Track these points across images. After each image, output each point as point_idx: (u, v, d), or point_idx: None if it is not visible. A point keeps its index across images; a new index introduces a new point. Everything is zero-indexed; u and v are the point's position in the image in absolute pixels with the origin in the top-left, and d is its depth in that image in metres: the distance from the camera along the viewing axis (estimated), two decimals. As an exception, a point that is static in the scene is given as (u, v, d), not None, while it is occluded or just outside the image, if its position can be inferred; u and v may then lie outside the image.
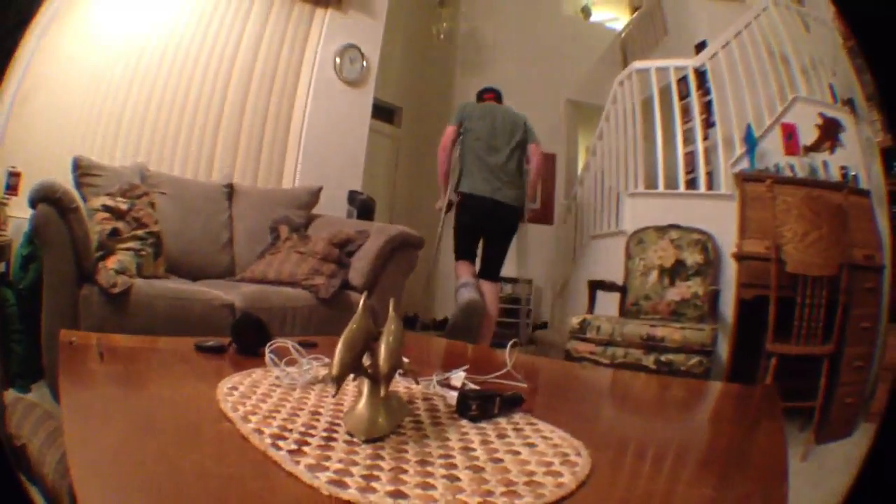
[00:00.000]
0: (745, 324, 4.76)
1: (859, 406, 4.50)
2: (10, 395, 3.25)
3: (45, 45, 4.73)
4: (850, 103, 5.37)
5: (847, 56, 5.23)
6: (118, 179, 4.34)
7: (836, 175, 5.24)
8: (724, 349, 4.87)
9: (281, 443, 1.35)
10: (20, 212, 4.19)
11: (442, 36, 8.29)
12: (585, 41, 9.26)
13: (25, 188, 4.12)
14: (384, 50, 6.50)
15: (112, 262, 3.66)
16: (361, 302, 1.60)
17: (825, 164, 5.29)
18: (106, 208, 3.99)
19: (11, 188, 4.54)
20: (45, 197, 3.42)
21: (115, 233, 3.87)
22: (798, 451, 4.13)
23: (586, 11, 9.42)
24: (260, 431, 1.41)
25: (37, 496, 1.71)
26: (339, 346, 1.45)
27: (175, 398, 1.81)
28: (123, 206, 4.05)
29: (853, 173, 5.17)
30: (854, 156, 5.24)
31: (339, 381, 1.44)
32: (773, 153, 5.43)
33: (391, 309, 1.63)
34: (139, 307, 3.59)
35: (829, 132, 5.31)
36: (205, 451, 1.36)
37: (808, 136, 5.39)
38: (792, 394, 4.23)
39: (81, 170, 4.30)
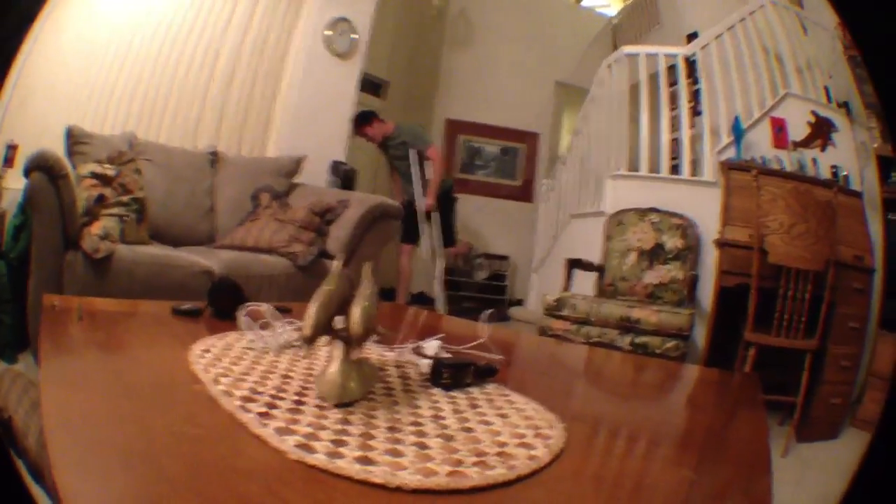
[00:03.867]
0: (724, 311, 4.77)
1: (846, 408, 4.53)
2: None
3: (47, 24, 4.75)
4: (845, 106, 5.45)
5: (848, 65, 5.30)
6: (107, 147, 4.35)
7: (825, 173, 5.29)
8: (701, 335, 4.89)
9: (250, 405, 1.34)
10: (15, 183, 4.18)
11: (434, 12, 8.28)
12: (576, 25, 9.34)
13: (21, 160, 4.09)
14: (376, 24, 6.53)
15: (96, 228, 3.68)
16: (335, 263, 1.60)
17: (815, 160, 5.33)
18: (94, 175, 4.01)
19: (8, 161, 4.54)
20: (38, 165, 3.46)
21: (101, 199, 3.89)
22: (778, 445, 4.14)
23: None
24: (229, 394, 1.40)
25: (23, 469, 1.71)
26: (312, 305, 1.44)
27: (149, 360, 1.80)
28: (110, 173, 4.06)
29: (844, 173, 5.22)
30: (846, 156, 5.32)
31: (311, 340, 1.43)
32: (760, 145, 5.46)
33: (366, 272, 1.62)
34: (121, 272, 3.63)
35: (821, 130, 5.36)
36: (175, 413, 1.36)
37: (798, 131, 5.43)
38: (771, 386, 4.23)
39: (73, 138, 4.32)
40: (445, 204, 7.06)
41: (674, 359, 4.28)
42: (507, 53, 8.65)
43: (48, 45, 4.78)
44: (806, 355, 4.29)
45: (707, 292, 4.95)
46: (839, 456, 4.16)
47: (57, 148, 3.82)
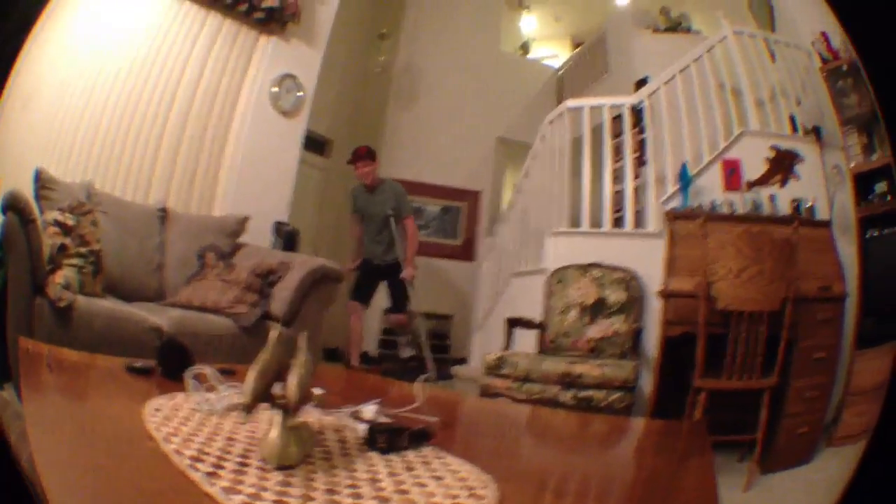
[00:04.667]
0: (673, 360, 4.73)
1: (817, 434, 4.46)
2: None
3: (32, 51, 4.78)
4: (815, 132, 5.27)
5: (825, 81, 5.06)
6: (69, 195, 4.37)
7: (786, 208, 5.15)
8: (648, 385, 4.81)
9: (199, 464, 1.44)
10: None
11: (379, 69, 8.27)
12: (522, 78, 9.05)
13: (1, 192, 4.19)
14: (321, 81, 6.52)
15: (59, 277, 3.73)
16: (273, 333, 1.70)
17: (773, 197, 5.21)
18: (56, 223, 4.03)
19: None
20: (12, 205, 3.53)
21: (62, 248, 3.93)
22: (739, 481, 4.17)
23: (525, 48, 9.41)
24: (180, 452, 1.50)
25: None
26: (251, 375, 1.56)
27: (109, 415, 1.91)
28: (70, 223, 4.09)
29: (809, 204, 5.09)
30: (814, 185, 5.16)
31: (250, 408, 1.55)
32: (710, 190, 5.39)
33: (302, 342, 1.72)
34: (80, 323, 3.66)
35: (782, 165, 5.24)
36: (132, 466, 1.49)
37: (754, 170, 5.31)
38: (729, 426, 4.24)
39: (41, 182, 4.32)
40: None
41: (619, 411, 4.31)
42: (451, 110, 8.41)
43: (27, 74, 4.81)
44: (763, 394, 4.29)
45: (652, 343, 4.92)
46: (820, 475, 4.20)
47: (27, 188, 3.89)
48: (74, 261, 3.97)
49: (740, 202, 5.25)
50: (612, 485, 1.88)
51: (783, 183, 5.20)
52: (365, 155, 6.58)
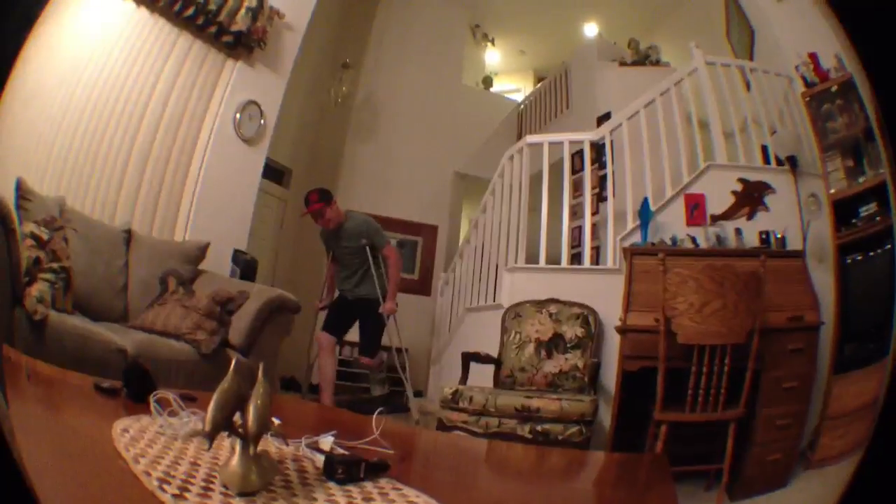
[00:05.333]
0: (632, 394, 4.76)
1: (791, 460, 4.48)
2: None
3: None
4: (790, 161, 5.23)
5: (805, 106, 5.02)
6: (43, 209, 4.44)
7: (752, 241, 5.20)
8: (607, 419, 4.87)
9: (166, 486, 1.52)
10: None
11: (339, 99, 8.21)
12: (483, 112, 9.08)
13: None
14: (284, 109, 6.54)
15: (35, 290, 3.80)
16: (232, 365, 1.77)
17: (738, 231, 5.24)
18: (33, 236, 4.10)
19: None
20: None
21: (37, 262, 4.00)
22: None
23: (487, 82, 9.41)
24: (148, 473, 1.59)
25: None
26: (211, 405, 1.63)
27: (81, 430, 2.00)
28: (45, 237, 4.16)
29: (779, 235, 5.11)
30: (786, 215, 5.14)
31: (210, 437, 1.62)
32: (672, 225, 5.42)
33: (260, 373, 1.78)
34: (52, 338, 3.72)
35: (749, 197, 5.28)
36: (108, 484, 1.58)
37: (719, 203, 5.35)
38: (691, 459, 4.29)
39: (22, 192, 4.35)
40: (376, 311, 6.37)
41: (577, 444, 4.36)
42: (410, 143, 8.29)
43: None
44: (728, 424, 4.31)
45: (611, 378, 4.94)
46: (802, 495, 4.29)
47: (8, 196, 3.89)
48: (47, 275, 4.03)
49: (703, 236, 5.29)
50: None
51: (750, 216, 5.23)
52: (319, 200, 6.24)
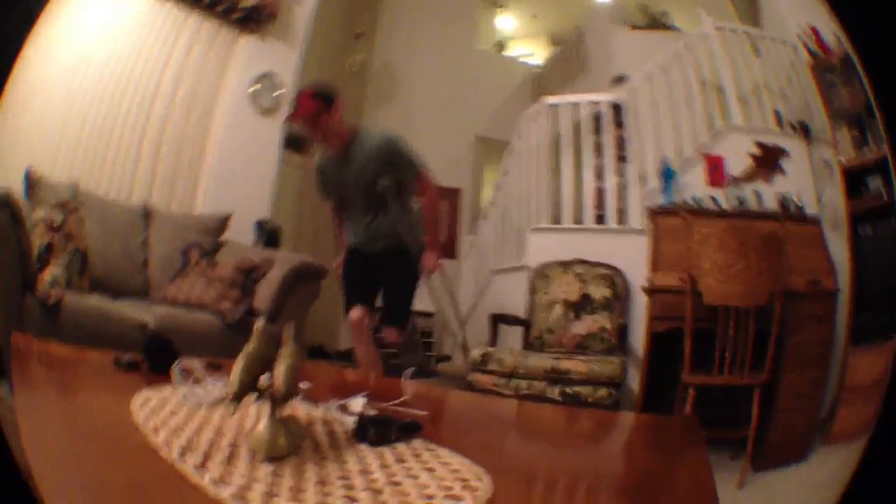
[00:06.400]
0: (661, 355, 4.70)
1: (811, 431, 4.42)
2: None
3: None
4: (802, 127, 5.20)
5: (812, 74, 4.97)
6: (55, 195, 4.41)
7: (772, 204, 5.13)
8: (635, 381, 4.83)
9: (187, 457, 1.42)
10: None
11: (355, 68, 8.21)
12: (498, 76, 9.09)
13: None
14: (299, 79, 6.39)
15: (47, 275, 3.77)
16: (257, 325, 1.69)
17: (757, 193, 5.19)
18: (44, 221, 4.06)
19: None
20: (3, 203, 3.56)
21: (49, 246, 3.96)
22: (732, 478, 4.11)
23: (500, 45, 9.39)
24: (168, 444, 1.49)
25: None
26: (236, 367, 1.55)
27: (97, 408, 1.90)
28: (57, 221, 4.12)
29: (796, 200, 5.05)
30: (801, 181, 5.11)
31: (236, 400, 1.54)
32: (693, 186, 5.38)
33: (288, 334, 1.70)
34: (68, 319, 3.69)
35: (767, 161, 5.21)
36: (120, 459, 1.48)
37: (738, 166, 5.28)
38: (721, 422, 4.20)
39: (31, 181, 4.37)
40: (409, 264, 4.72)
41: (606, 407, 4.33)
42: (428, 108, 8.28)
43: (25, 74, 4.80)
44: (753, 389, 4.24)
45: (639, 339, 4.90)
46: (818, 474, 4.15)
47: (16, 186, 3.94)
48: (62, 258, 4.00)
49: (724, 197, 5.24)
50: (606, 478, 1.88)
51: (769, 179, 5.17)
52: (313, 100, 4.26)
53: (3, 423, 2.00)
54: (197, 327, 4.34)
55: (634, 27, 7.34)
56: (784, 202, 5.05)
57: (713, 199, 5.25)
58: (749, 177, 5.22)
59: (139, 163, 5.62)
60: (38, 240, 3.90)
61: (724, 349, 4.25)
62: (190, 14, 5.84)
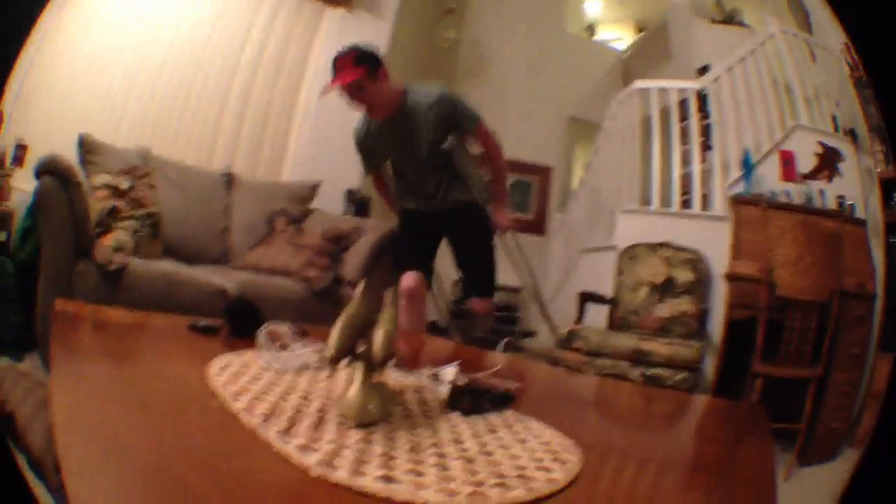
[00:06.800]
0: (731, 343, 4.74)
1: (845, 431, 4.49)
2: (3, 361, 3.33)
3: (54, 22, 4.79)
4: (851, 133, 5.36)
5: (853, 87, 5.20)
6: (120, 160, 4.36)
7: (832, 203, 5.23)
8: (709, 367, 4.86)
9: (271, 422, 1.33)
10: (25, 184, 4.24)
11: (447, 44, 8.18)
12: (588, 59, 9.24)
13: (31, 161, 4.14)
14: (389, 53, 6.24)
15: (109, 240, 3.71)
16: (360, 287, 1.58)
17: (822, 192, 5.27)
18: (107, 186, 4.02)
19: (18, 160, 4.57)
20: (50, 169, 3.48)
21: (114, 211, 3.91)
22: (781, 470, 4.11)
23: (591, 30, 9.39)
24: (250, 410, 1.39)
25: (22, 462, 1.69)
26: (336, 328, 1.45)
27: (165, 373, 1.79)
28: (124, 186, 4.07)
29: (850, 203, 5.15)
30: (852, 185, 5.23)
31: (335, 361, 1.44)
32: (769, 178, 5.42)
33: (388, 297, 1.58)
34: (133, 286, 3.62)
35: (828, 161, 5.30)
36: (194, 426, 1.35)
37: (806, 163, 5.37)
38: (774, 414, 4.15)
39: (86, 147, 4.30)
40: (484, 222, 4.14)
41: (683, 390, 4.29)
42: (520, 86, 8.40)
43: (58, 44, 4.84)
44: (809, 383, 4.28)
45: (717, 325, 4.94)
46: (831, 476, 4.15)
47: (68, 154, 3.82)
48: (128, 223, 3.94)
49: (795, 193, 5.27)
50: (682, 457, 1.85)
51: (829, 179, 5.23)
52: (354, 66, 3.60)
53: (12, 406, 1.89)
54: (280, 293, 4.24)
55: (712, 21, 7.34)
56: (841, 203, 5.10)
57: (786, 193, 5.29)
58: (814, 175, 5.28)
59: (220, 129, 5.64)
60: (97, 204, 3.83)
61: (789, 341, 4.28)
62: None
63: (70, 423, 1.20)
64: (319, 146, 6.04)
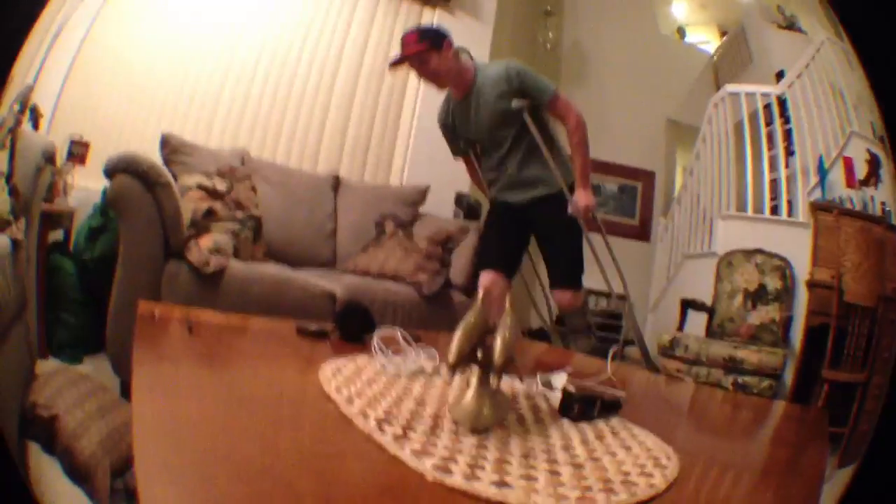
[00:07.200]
0: (808, 349, 4.69)
1: (869, 434, 4.44)
2: (49, 365, 3.27)
3: (109, 15, 4.72)
4: (882, 140, 5.19)
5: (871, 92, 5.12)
6: (213, 160, 4.30)
7: (878, 210, 5.16)
8: (788, 373, 4.79)
9: (386, 427, 1.35)
10: (89, 182, 4.14)
11: (548, 45, 8.13)
12: (681, 61, 9.06)
13: (94, 159, 4.12)
14: (492, 54, 6.09)
15: (207, 241, 3.59)
16: (480, 295, 1.61)
17: (873, 198, 5.20)
18: (201, 187, 3.95)
19: (76, 157, 4.41)
20: (127, 169, 3.32)
21: (210, 212, 3.83)
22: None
23: (682, 32, 9.30)
24: (364, 414, 1.42)
25: (35, 466, 1.73)
26: (458, 334, 1.47)
27: (272, 376, 1.83)
28: (221, 187, 4.02)
29: (888, 209, 5.06)
30: (889, 191, 5.12)
31: (454, 368, 1.46)
32: (837, 185, 5.37)
33: (507, 303, 1.63)
34: (232, 288, 3.54)
35: (874, 167, 5.25)
36: (304, 430, 1.38)
37: (860, 170, 5.31)
38: (835, 418, 4.09)
39: (170, 147, 4.23)
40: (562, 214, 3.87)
41: (768, 397, 4.32)
42: (620, 89, 8.22)
43: (115, 41, 4.76)
44: (857, 388, 4.24)
45: (797, 331, 4.93)
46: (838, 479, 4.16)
47: (145, 152, 3.61)
48: (228, 225, 3.88)
49: (857, 199, 5.22)
50: (756, 463, 1.90)
51: (876, 185, 5.18)
52: (419, 41, 3.72)
53: (57, 410, 1.90)
54: (390, 298, 4.14)
55: (780, 26, 7.28)
56: (884, 209, 5.05)
57: (850, 199, 5.25)
58: (867, 181, 5.23)
59: (324, 133, 5.60)
60: (189, 205, 3.73)
61: (850, 347, 4.28)
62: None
63: (154, 428, 1.18)
64: (427, 150, 5.88)
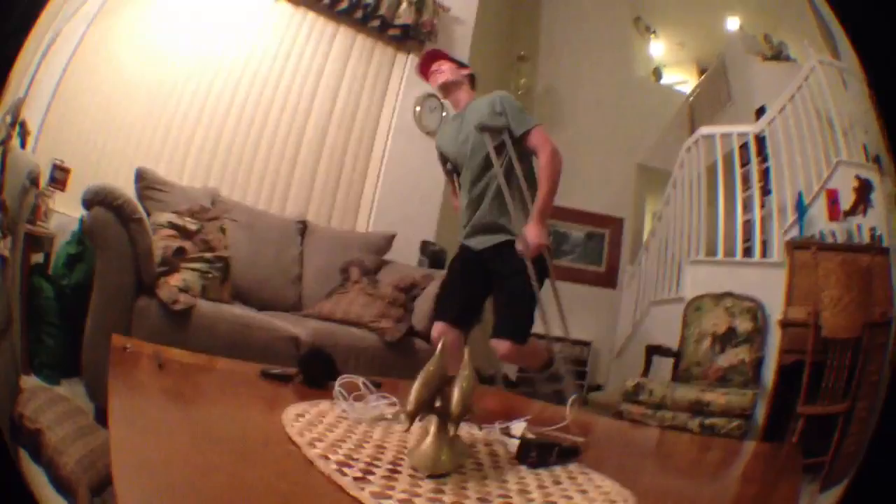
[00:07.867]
0: (780, 387, 4.65)
1: (858, 455, 4.48)
2: (32, 382, 3.23)
3: (93, 42, 4.60)
4: (877, 160, 4.91)
5: (873, 108, 5.18)
6: (185, 199, 4.30)
7: (866, 237, 4.96)
8: (760, 412, 4.71)
9: (346, 469, 1.36)
10: (67, 208, 4.03)
11: (521, 91, 8.18)
12: (656, 104, 9.09)
13: (74, 186, 4.02)
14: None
15: (176, 280, 3.63)
16: (440, 345, 1.64)
17: (859, 227, 5.02)
18: (172, 225, 3.96)
19: (57, 181, 4.36)
20: (104, 202, 3.37)
21: (180, 251, 3.84)
22: (805, 500, 4.14)
23: (657, 73, 9.36)
24: (326, 457, 1.43)
25: (27, 469, 1.74)
26: (417, 384, 1.51)
27: (237, 416, 1.85)
28: (192, 227, 4.03)
29: (879, 233, 4.87)
30: (880, 214, 4.95)
31: (413, 416, 1.50)
32: (818, 219, 5.28)
33: (465, 355, 1.66)
34: (200, 327, 3.55)
35: (863, 194, 5.13)
36: (268, 469, 1.40)
37: (846, 200, 5.16)
38: (810, 450, 4.02)
39: (145, 182, 4.23)
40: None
41: (736, 437, 4.31)
42: (592, 135, 8.27)
43: (102, 67, 4.65)
44: (839, 417, 4.13)
45: (768, 371, 4.83)
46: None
47: (118, 183, 3.68)
48: (197, 265, 3.87)
49: (840, 231, 5.10)
50: (723, 499, 2.00)
51: (864, 212, 5.01)
52: (449, 59, 4.05)
53: (40, 425, 1.91)
54: (353, 343, 4.15)
55: (764, 58, 7.33)
56: (873, 235, 4.89)
57: (832, 233, 5.16)
58: (853, 210, 5.08)
59: (293, 176, 5.57)
60: (161, 242, 3.76)
61: (829, 380, 4.24)
62: (339, 28, 5.77)
63: (131, 461, 1.22)
64: (394, 197, 5.88)
